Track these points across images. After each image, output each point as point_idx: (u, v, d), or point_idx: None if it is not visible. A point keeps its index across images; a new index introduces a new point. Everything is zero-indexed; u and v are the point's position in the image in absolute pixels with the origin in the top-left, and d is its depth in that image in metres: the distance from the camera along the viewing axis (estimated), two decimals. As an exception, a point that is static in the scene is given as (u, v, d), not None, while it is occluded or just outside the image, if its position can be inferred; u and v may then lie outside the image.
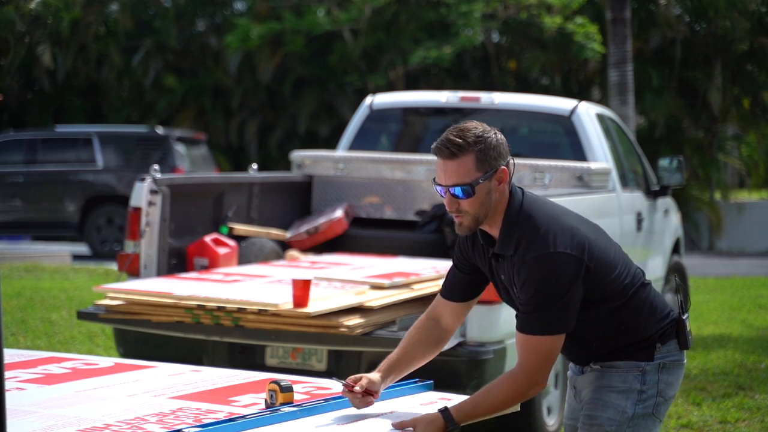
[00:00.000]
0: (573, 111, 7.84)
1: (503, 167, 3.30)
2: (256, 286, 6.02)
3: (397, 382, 3.48)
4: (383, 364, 3.41)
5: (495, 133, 3.29)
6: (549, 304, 3.22)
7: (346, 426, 3.14)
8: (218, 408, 3.21)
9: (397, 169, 7.76)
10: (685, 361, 3.49)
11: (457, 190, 3.26)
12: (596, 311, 3.33)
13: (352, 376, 3.32)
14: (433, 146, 3.32)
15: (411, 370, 3.48)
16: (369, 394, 3.30)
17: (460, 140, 3.25)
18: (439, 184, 3.30)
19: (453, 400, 3.49)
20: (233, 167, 22.29)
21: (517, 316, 3.32)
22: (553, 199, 3.49)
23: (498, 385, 3.27)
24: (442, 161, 3.28)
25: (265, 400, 3.22)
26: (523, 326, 3.27)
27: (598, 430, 3.39)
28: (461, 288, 3.50)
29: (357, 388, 3.27)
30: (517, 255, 3.27)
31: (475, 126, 3.29)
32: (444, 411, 3.20)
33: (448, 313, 3.51)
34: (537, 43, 21.65)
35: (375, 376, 3.34)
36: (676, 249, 9.72)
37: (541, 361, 3.24)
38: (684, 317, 3.45)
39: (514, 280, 3.31)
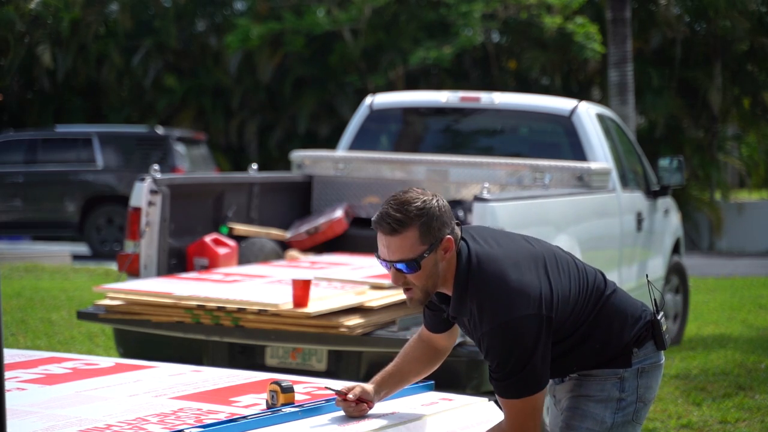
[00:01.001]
0: (573, 111, 7.84)
1: (448, 236, 3.15)
2: (256, 286, 6.02)
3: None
4: (378, 376, 3.36)
5: (437, 201, 3.15)
6: (518, 370, 3.11)
7: (347, 426, 3.14)
8: (219, 408, 3.21)
9: (397, 169, 7.76)
10: (663, 360, 3.42)
11: (402, 266, 3.14)
12: (567, 342, 3.26)
13: (346, 386, 3.29)
14: (373, 220, 3.16)
15: (405, 386, 3.43)
16: (363, 401, 3.26)
17: (400, 215, 3.10)
18: (383, 259, 3.17)
19: (454, 400, 3.49)
20: (233, 167, 22.29)
21: (490, 378, 3.21)
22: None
23: None
24: (383, 237, 3.14)
25: (266, 401, 3.22)
26: (498, 391, 3.18)
27: None
28: (438, 321, 3.42)
29: (350, 396, 3.23)
30: (472, 323, 3.18)
31: (416, 197, 3.14)
32: None
33: (437, 338, 3.46)
34: (537, 43, 21.65)
35: (369, 386, 3.30)
36: (676, 249, 9.72)
37: (526, 419, 3.16)
38: (659, 317, 3.36)
39: (474, 340, 3.22)
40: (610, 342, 3.29)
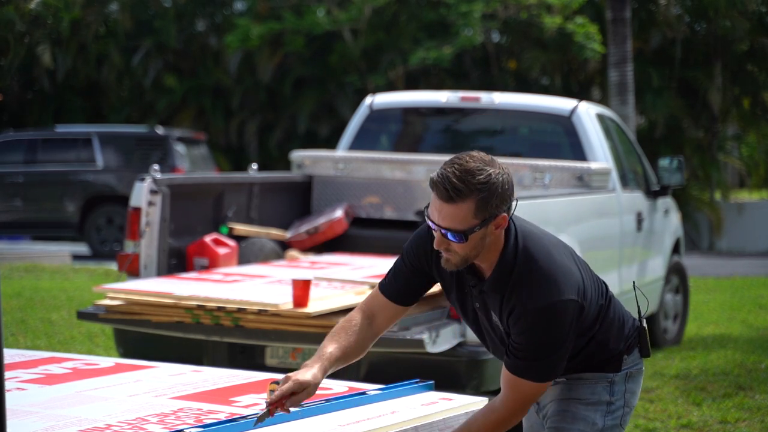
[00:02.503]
0: (573, 111, 7.84)
1: (503, 214, 3.07)
2: (256, 286, 6.02)
3: (395, 383, 3.44)
4: (326, 362, 3.18)
5: (502, 177, 3.03)
6: (546, 355, 3.10)
7: (347, 426, 3.14)
8: (219, 408, 3.21)
9: (397, 169, 7.76)
10: (643, 366, 3.41)
11: (449, 234, 3.03)
12: (580, 341, 3.22)
13: (280, 387, 3.07)
14: (432, 180, 3.06)
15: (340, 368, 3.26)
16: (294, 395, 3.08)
17: (461, 185, 2.99)
18: (432, 221, 3.06)
19: (454, 400, 3.49)
20: (233, 167, 22.28)
21: (507, 353, 3.15)
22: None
23: (479, 418, 3.18)
24: (438, 202, 3.03)
25: (266, 401, 3.21)
26: (514, 369, 3.13)
27: None
28: (412, 289, 3.28)
29: (285, 403, 3.06)
30: (514, 298, 3.10)
31: (482, 169, 3.02)
32: None
33: (384, 314, 3.30)
34: (537, 43, 21.65)
35: (307, 376, 3.12)
36: (676, 249, 9.72)
37: (525, 402, 3.16)
38: (644, 324, 3.35)
39: (500, 317, 3.16)
40: (607, 345, 3.28)
